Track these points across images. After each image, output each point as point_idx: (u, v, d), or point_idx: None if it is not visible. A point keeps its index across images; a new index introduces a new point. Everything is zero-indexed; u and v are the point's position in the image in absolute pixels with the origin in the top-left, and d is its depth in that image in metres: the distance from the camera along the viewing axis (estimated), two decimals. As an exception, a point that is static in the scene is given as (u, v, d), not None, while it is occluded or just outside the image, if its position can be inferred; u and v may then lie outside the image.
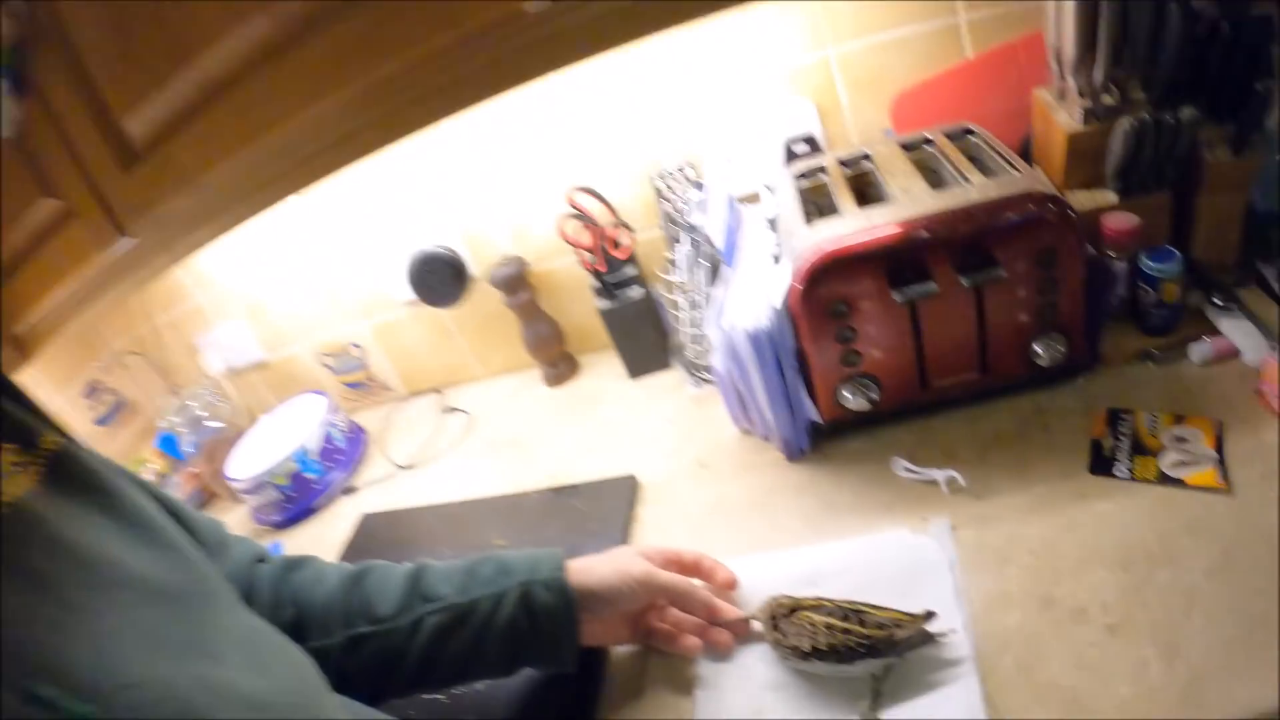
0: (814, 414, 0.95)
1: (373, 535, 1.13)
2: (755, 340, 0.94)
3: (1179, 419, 0.80)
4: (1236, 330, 0.83)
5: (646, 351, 1.25)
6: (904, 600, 0.74)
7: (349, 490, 1.27)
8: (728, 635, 0.78)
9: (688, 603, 0.79)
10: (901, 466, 0.89)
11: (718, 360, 1.00)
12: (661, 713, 0.76)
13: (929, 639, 0.70)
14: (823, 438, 0.98)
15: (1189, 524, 0.72)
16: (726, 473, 1.00)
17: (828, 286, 0.88)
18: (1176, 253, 0.85)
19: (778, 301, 0.93)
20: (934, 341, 0.90)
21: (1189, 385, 0.83)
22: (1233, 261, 0.89)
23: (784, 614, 0.74)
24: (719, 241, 1.07)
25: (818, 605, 0.73)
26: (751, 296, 0.96)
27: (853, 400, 0.93)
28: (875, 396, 0.92)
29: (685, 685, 0.77)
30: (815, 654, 0.71)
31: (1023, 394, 0.90)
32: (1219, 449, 0.75)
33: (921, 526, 0.82)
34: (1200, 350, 0.84)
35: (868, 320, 0.89)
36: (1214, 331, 0.85)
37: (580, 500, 1.04)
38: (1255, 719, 0.60)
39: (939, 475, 0.85)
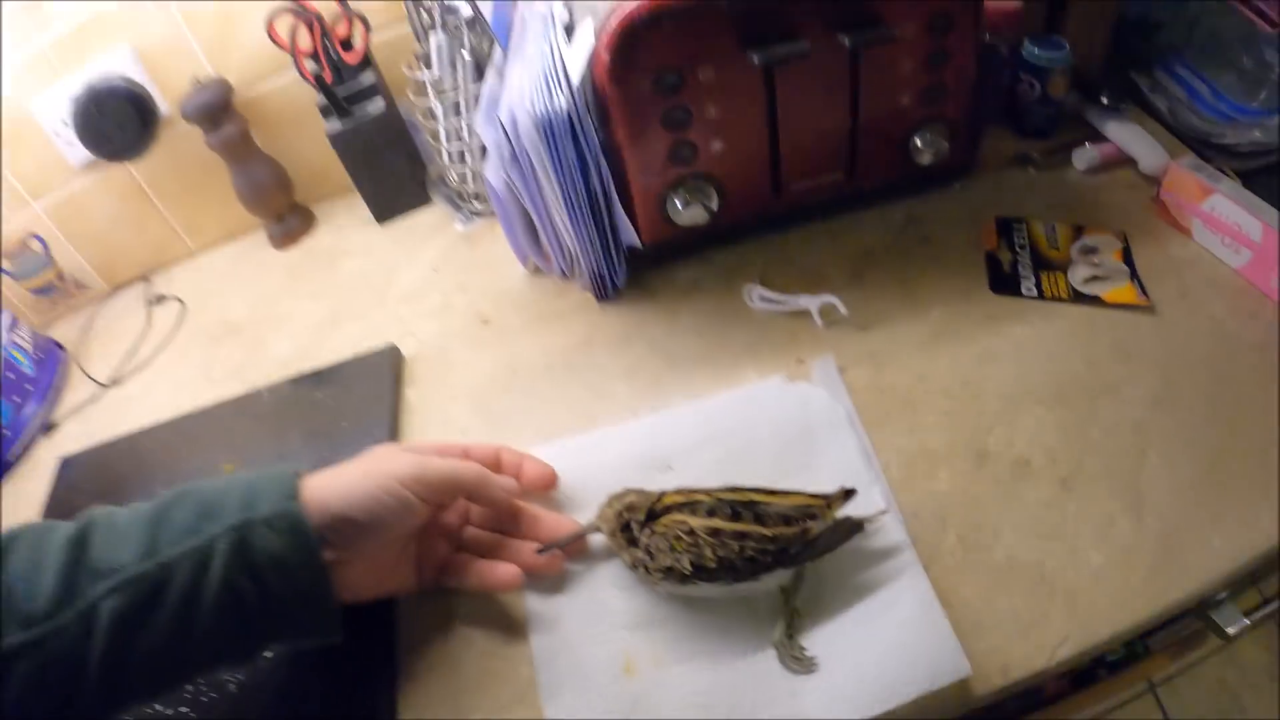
0: (632, 236, 0.66)
1: (76, 486, 0.71)
2: (548, 130, 0.61)
3: (1078, 229, 0.64)
4: (1126, 135, 0.68)
5: (396, 184, 0.86)
6: (802, 477, 0.51)
7: (48, 428, 0.80)
8: (556, 557, 0.50)
9: (485, 498, 0.50)
10: (756, 296, 0.64)
11: (493, 172, 0.66)
12: (488, 681, 0.48)
13: (856, 528, 0.47)
14: (645, 267, 0.69)
15: (1117, 348, 0.56)
16: (517, 329, 0.69)
17: (651, 49, 0.58)
18: (1065, 42, 0.68)
19: (577, 76, 0.61)
20: (794, 130, 0.64)
21: (1077, 194, 0.68)
22: (1100, 68, 0.74)
23: (640, 520, 0.47)
24: (488, 18, 0.71)
25: (690, 501, 0.47)
26: (538, 81, 0.63)
27: (686, 211, 0.65)
28: (715, 206, 0.65)
29: (514, 629, 0.49)
30: (700, 573, 0.45)
31: (891, 202, 0.69)
32: (1128, 263, 0.61)
33: (799, 372, 0.58)
34: (1085, 156, 0.69)
35: (707, 98, 0.61)
36: (1097, 136, 0.70)
37: (327, 390, 0.69)
38: (1240, 569, 0.46)
39: (810, 303, 0.62)
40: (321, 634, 0.46)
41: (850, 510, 0.47)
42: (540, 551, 0.49)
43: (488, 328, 0.70)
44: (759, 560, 0.44)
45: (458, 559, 0.50)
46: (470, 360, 0.67)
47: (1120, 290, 0.59)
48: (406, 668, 0.49)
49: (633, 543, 0.47)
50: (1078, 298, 0.59)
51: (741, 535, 0.45)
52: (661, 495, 0.48)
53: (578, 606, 0.48)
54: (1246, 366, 0.54)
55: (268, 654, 0.50)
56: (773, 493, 0.47)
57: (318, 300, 0.80)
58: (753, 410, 0.56)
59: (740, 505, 0.46)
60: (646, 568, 0.46)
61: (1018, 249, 0.63)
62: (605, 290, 0.69)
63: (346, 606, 0.46)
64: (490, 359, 0.67)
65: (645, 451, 0.55)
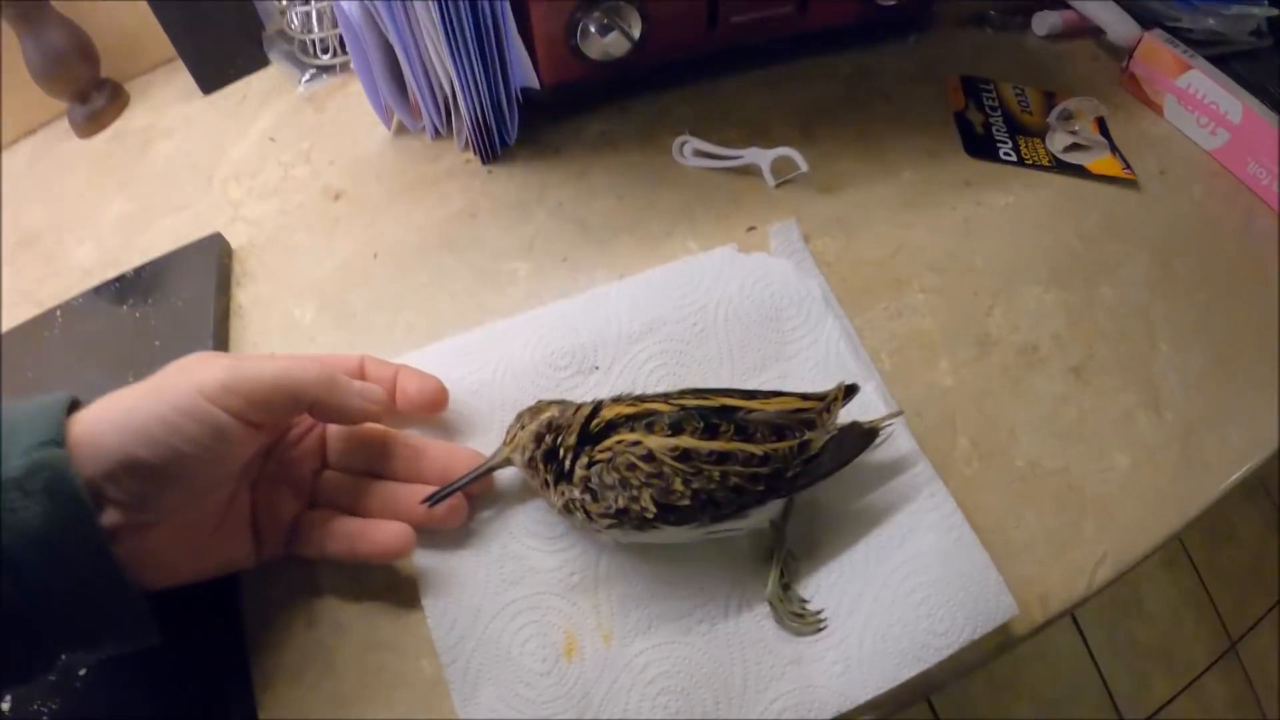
0: (529, 74, 0.48)
1: None
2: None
3: (1049, 95, 0.54)
4: (1093, 3, 0.58)
5: (224, 41, 0.60)
6: (773, 372, 0.37)
7: None
8: (455, 505, 0.33)
9: (336, 411, 0.32)
10: (689, 150, 0.48)
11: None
12: (378, 681, 0.32)
13: (868, 437, 0.34)
14: (544, 118, 0.51)
15: (1108, 223, 0.46)
16: (378, 202, 0.48)
17: None
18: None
19: None
20: (738, -58, 0.48)
21: (1038, 60, 0.57)
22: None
23: (571, 444, 0.31)
24: None
25: (643, 413, 0.32)
26: None
27: (602, 40, 0.47)
28: (638, 34, 0.48)
29: (404, 604, 0.33)
30: (668, 514, 0.30)
31: (838, 53, 0.55)
32: (1105, 134, 0.51)
33: (752, 241, 0.44)
34: (1046, 20, 0.58)
35: (633, -115, 0.43)
36: (1057, 3, 0.59)
37: (137, 300, 0.47)
38: (1259, 465, 0.39)
39: (759, 157, 0.47)
40: (124, 637, 0.29)
41: (850, 414, 0.34)
42: (430, 502, 0.32)
43: (340, 203, 0.49)
44: (748, 489, 0.30)
45: (314, 518, 0.32)
46: (317, 246, 0.47)
47: (1104, 161, 0.49)
48: (262, 674, 0.32)
49: (563, 476, 0.31)
50: (1060, 166, 0.49)
51: (722, 457, 0.30)
52: (597, 407, 0.32)
53: (488, 569, 0.32)
54: (1234, 254, 0.46)
55: (81, 670, 0.33)
56: (751, 395, 0.33)
57: (128, 192, 0.54)
58: (701, 290, 0.41)
59: (714, 414, 0.32)
60: (586, 511, 0.30)
61: (989, 110, 0.52)
62: (492, 148, 0.50)
63: (162, 594, 0.29)
64: (344, 243, 0.46)
65: (562, 348, 0.38)
